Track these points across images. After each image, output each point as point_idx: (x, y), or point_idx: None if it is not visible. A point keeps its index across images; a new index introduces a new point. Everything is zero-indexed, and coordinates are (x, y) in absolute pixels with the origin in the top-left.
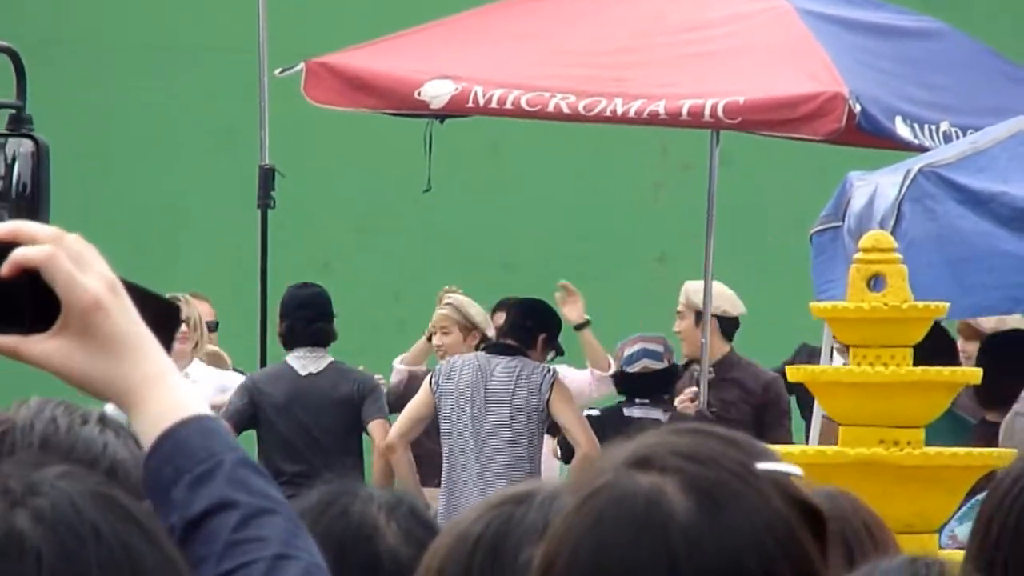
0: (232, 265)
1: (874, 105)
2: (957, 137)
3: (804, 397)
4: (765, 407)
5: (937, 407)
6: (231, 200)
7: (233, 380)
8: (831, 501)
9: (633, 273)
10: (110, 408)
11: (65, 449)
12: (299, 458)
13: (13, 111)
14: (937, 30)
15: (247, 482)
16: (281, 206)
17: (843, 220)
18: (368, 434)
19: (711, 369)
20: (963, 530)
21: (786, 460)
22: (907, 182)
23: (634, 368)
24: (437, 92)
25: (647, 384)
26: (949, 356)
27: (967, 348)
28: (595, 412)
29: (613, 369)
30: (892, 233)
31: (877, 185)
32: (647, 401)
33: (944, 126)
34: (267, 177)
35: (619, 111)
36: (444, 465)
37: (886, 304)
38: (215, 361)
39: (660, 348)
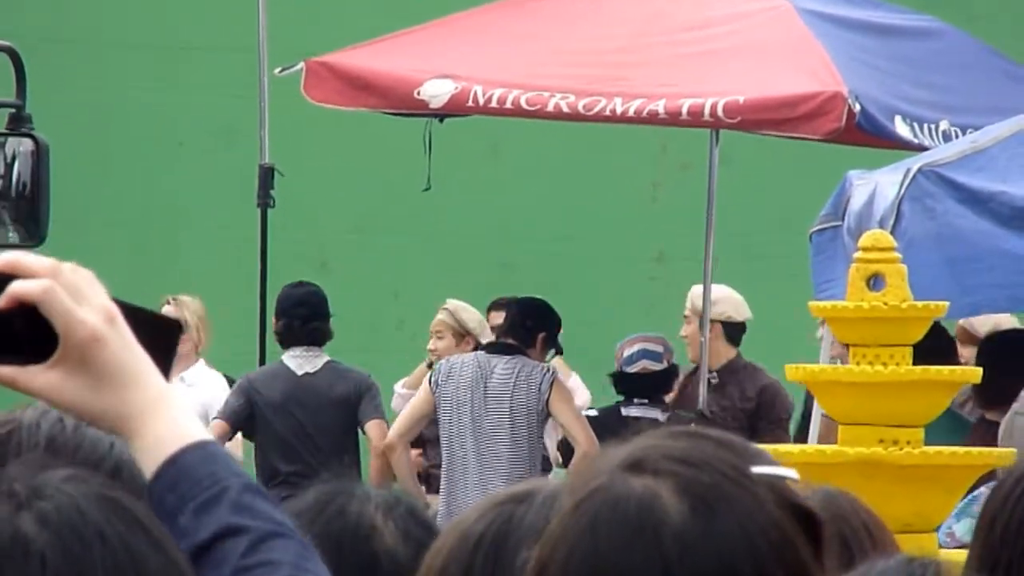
0: (231, 264)
1: (873, 104)
2: (957, 136)
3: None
4: (757, 413)
5: (936, 406)
6: (231, 199)
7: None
8: (830, 501)
9: (632, 273)
10: None
11: (71, 448)
12: (296, 458)
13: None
14: (937, 29)
15: (253, 507)
16: (281, 205)
17: (842, 219)
18: (365, 434)
19: (715, 374)
20: (961, 527)
21: (785, 460)
22: (907, 181)
23: (633, 368)
24: (437, 91)
25: (646, 384)
26: (948, 355)
27: (964, 353)
28: (593, 412)
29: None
30: (892, 232)
31: (876, 184)
32: (646, 401)
33: (944, 125)
34: (267, 176)
35: (618, 111)
36: (443, 464)
37: (885, 303)
38: None
39: (660, 349)
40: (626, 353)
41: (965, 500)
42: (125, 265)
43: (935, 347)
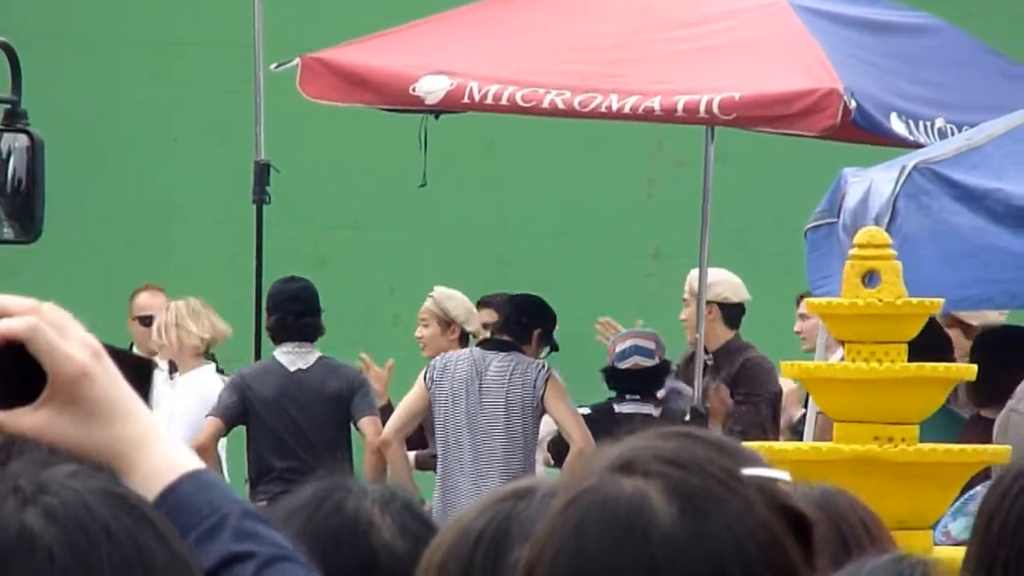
0: (227, 260)
1: (869, 101)
2: (952, 133)
3: None
4: (735, 384)
5: (932, 403)
6: (226, 195)
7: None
8: (828, 499)
9: (627, 269)
10: None
11: None
12: (289, 454)
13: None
14: (933, 26)
15: (256, 532)
16: (276, 201)
17: (838, 216)
18: (359, 430)
19: (711, 356)
20: (956, 526)
21: (779, 457)
22: (902, 178)
23: (625, 364)
24: (432, 88)
25: (637, 381)
26: (944, 352)
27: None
28: (586, 410)
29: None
30: (887, 229)
31: (872, 181)
32: (637, 397)
33: (939, 122)
34: (262, 172)
35: (614, 107)
36: (438, 461)
37: (880, 300)
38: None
39: (652, 345)
40: (618, 349)
41: (961, 499)
42: (120, 261)
43: (930, 344)
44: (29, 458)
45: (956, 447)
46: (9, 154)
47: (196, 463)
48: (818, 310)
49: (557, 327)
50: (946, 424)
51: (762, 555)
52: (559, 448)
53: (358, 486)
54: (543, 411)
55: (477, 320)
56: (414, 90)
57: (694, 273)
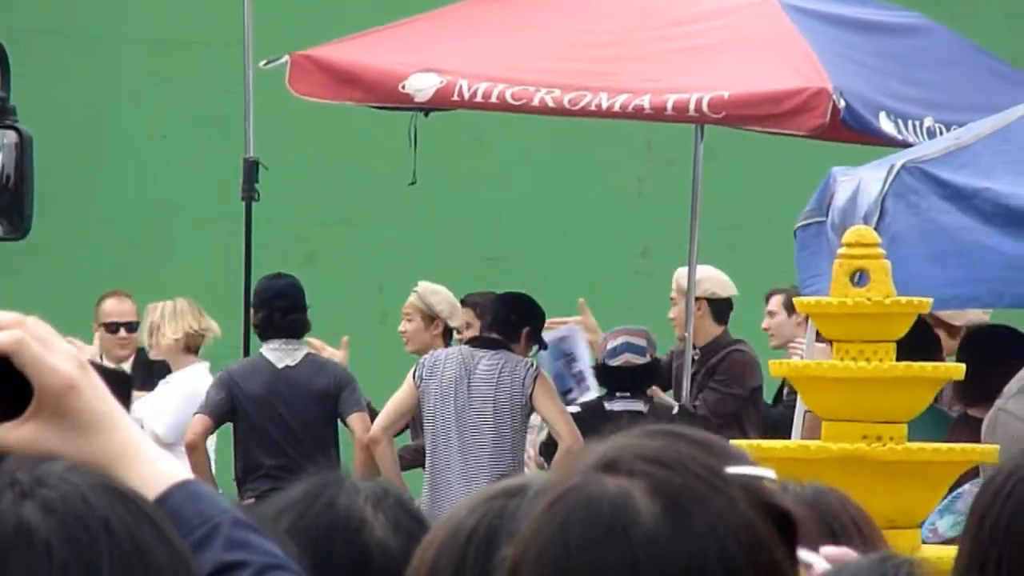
0: (217, 258)
1: (858, 101)
2: (941, 133)
3: None
4: (712, 374)
5: (920, 402)
6: (216, 193)
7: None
8: (819, 497)
9: (618, 267)
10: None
11: None
12: (278, 451)
13: None
14: (922, 26)
15: (247, 541)
16: (266, 199)
17: (827, 215)
18: (347, 427)
19: (698, 351)
20: (944, 523)
21: (768, 456)
22: (891, 177)
23: (616, 362)
24: (422, 85)
25: (627, 377)
26: (932, 351)
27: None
28: (576, 409)
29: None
30: (876, 228)
31: (860, 180)
32: (628, 394)
33: (928, 122)
34: (251, 170)
35: (604, 105)
36: (427, 458)
37: (869, 299)
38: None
39: (643, 342)
40: (609, 345)
41: (949, 497)
42: (112, 259)
43: (919, 343)
44: (24, 457)
45: (944, 446)
46: None
47: (184, 474)
48: (807, 309)
49: (546, 325)
50: (934, 423)
51: (744, 553)
52: (550, 450)
53: (350, 483)
54: (532, 409)
55: (461, 316)
56: (404, 87)
57: (681, 271)
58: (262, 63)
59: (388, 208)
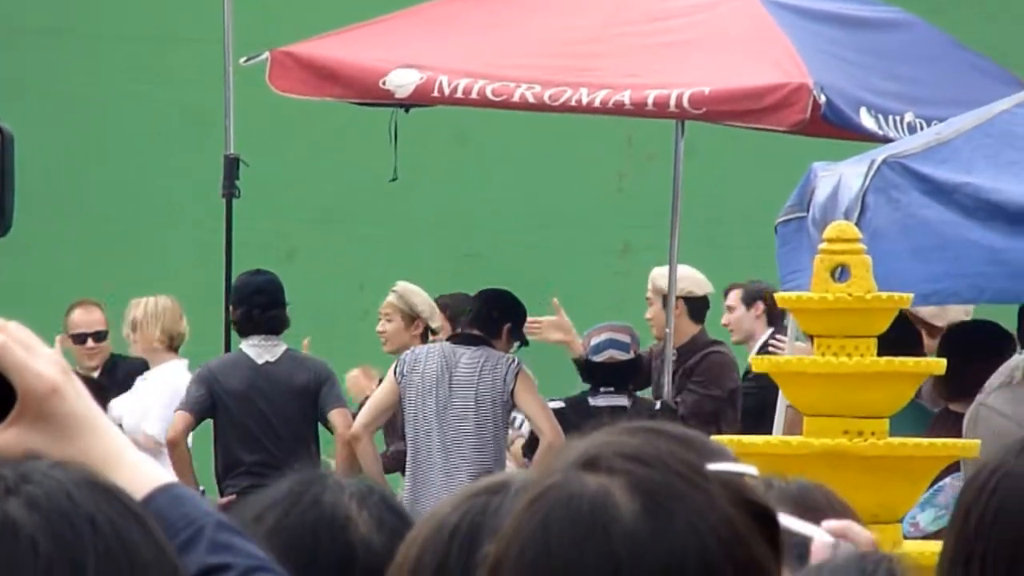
0: (197, 254)
1: (839, 96)
2: (921, 128)
3: None
4: (690, 375)
5: (901, 398)
6: (196, 189)
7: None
8: (804, 493)
9: (597, 263)
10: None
11: None
12: (258, 447)
13: None
14: (904, 21)
15: (231, 544)
16: (246, 195)
17: (807, 210)
18: (329, 422)
19: (675, 351)
20: (925, 517)
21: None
22: (871, 172)
23: (600, 358)
24: (402, 81)
25: (612, 373)
26: (914, 347)
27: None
28: (559, 404)
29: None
30: (856, 223)
31: (841, 175)
32: (612, 390)
33: (909, 117)
34: (232, 166)
35: (584, 101)
36: (408, 455)
37: (850, 294)
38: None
39: (627, 339)
40: (593, 342)
41: (930, 491)
42: (92, 256)
43: (900, 338)
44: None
45: (925, 441)
46: None
47: (167, 477)
48: (788, 304)
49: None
50: (915, 418)
51: (723, 550)
52: (533, 447)
53: (335, 480)
54: (513, 405)
55: (439, 316)
56: (384, 84)
57: (656, 271)
58: (242, 60)
59: (369, 204)
